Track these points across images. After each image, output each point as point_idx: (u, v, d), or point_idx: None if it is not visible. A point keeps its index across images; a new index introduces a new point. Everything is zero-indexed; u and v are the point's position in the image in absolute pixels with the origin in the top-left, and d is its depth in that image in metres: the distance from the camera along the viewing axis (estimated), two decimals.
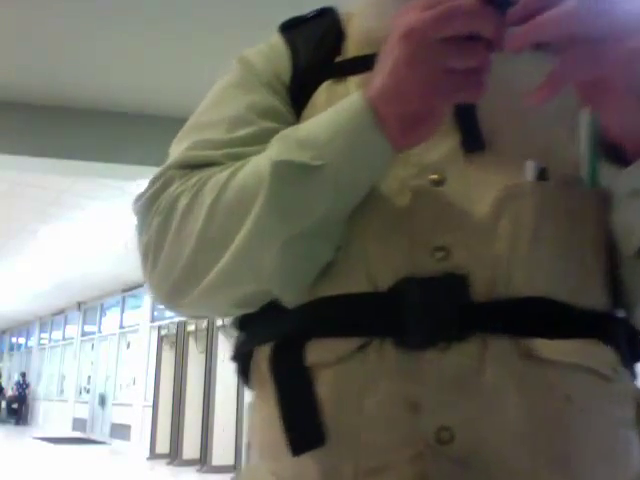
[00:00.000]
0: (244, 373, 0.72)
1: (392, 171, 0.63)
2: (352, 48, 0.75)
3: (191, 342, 10.29)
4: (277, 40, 0.79)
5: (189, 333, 10.38)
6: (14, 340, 23.10)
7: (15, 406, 19.69)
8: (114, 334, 14.94)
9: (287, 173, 0.59)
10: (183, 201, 0.64)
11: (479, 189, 0.63)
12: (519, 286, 0.60)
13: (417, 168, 0.64)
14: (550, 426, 0.58)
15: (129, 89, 4.49)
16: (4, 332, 23.73)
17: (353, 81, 0.71)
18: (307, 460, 0.60)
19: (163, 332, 11.44)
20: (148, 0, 3.47)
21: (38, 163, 4.81)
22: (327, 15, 0.80)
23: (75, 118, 4.68)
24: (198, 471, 8.81)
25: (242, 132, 0.69)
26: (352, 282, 0.62)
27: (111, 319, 15.42)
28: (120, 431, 13.74)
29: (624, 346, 0.65)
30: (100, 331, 15.90)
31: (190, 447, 9.68)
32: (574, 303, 0.62)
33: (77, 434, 15.35)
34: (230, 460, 8.48)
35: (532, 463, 0.57)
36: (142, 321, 13.40)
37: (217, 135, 0.69)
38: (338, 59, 0.75)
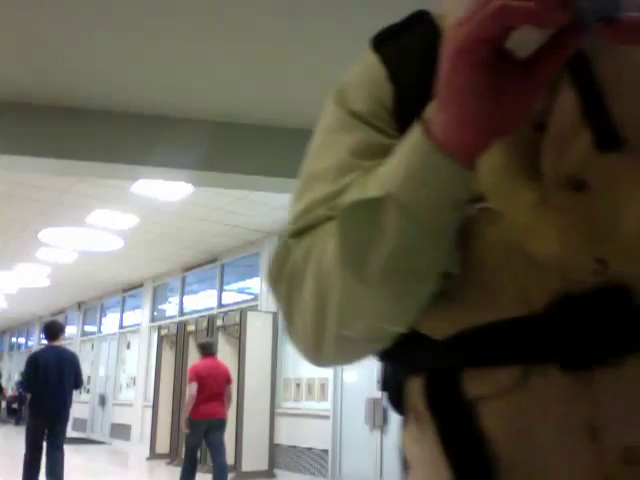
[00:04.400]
0: (396, 403, 0.71)
1: (525, 184, 0.60)
2: None
3: (191, 342, 10.27)
4: (373, 60, 0.74)
5: (189, 333, 10.37)
6: (14, 340, 23.10)
7: (15, 406, 19.69)
8: (114, 334, 14.95)
9: (352, 213, 0.59)
10: (299, 268, 0.66)
11: (625, 191, 0.58)
12: None
13: (553, 175, 0.59)
14: None
15: (129, 89, 4.49)
16: (4, 332, 23.72)
17: None
18: None
19: (163, 332, 11.43)
20: (147, 1, 3.48)
21: (38, 163, 4.81)
22: (423, 21, 0.74)
23: (75, 118, 4.67)
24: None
25: (348, 179, 0.66)
26: (502, 307, 0.59)
27: (111, 319, 15.42)
28: (120, 431, 13.74)
29: None
30: (100, 331, 15.91)
31: None
32: None
33: (77, 434, 15.34)
34: (230, 460, 8.47)
35: None
36: (142, 321, 13.41)
37: (326, 188, 0.67)
38: None
